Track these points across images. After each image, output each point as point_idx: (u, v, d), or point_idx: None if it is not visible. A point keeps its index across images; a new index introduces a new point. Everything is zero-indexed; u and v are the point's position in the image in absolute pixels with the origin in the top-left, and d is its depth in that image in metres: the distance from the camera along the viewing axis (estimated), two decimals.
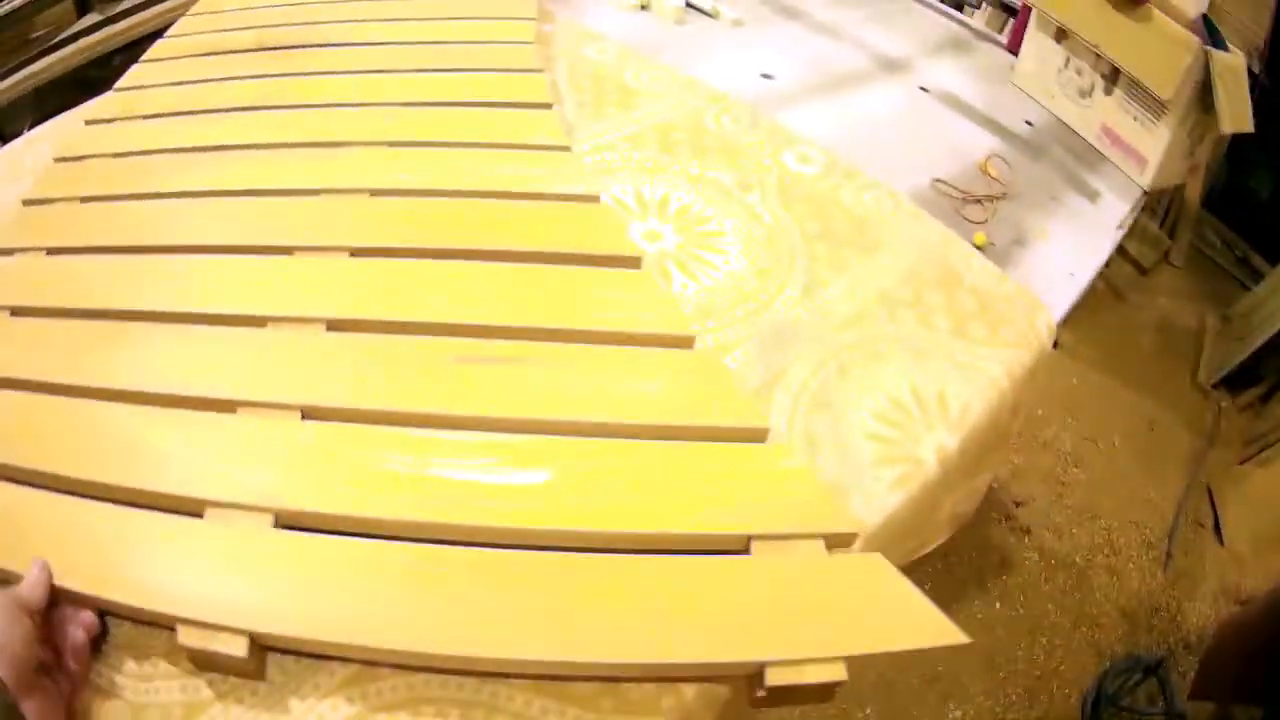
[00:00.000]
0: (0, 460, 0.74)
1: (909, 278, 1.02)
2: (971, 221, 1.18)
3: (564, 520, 0.71)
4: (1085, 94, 1.43)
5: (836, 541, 0.72)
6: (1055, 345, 0.97)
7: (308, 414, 0.78)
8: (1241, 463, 2.07)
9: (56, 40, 2.13)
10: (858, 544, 0.77)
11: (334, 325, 0.86)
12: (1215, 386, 2.28)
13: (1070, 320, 1.13)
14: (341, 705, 0.65)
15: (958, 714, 1.62)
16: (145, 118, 1.19)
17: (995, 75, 1.57)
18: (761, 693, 0.65)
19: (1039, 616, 1.78)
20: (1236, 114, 1.29)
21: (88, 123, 1.19)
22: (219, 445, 0.75)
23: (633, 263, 0.94)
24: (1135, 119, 1.36)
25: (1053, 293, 1.09)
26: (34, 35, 2.12)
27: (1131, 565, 1.89)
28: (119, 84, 1.27)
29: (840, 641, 0.65)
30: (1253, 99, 1.30)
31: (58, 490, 0.73)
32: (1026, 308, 1.02)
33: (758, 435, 0.79)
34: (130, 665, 0.66)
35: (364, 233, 0.97)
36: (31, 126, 1.27)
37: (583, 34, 1.42)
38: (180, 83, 1.26)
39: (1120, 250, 2.50)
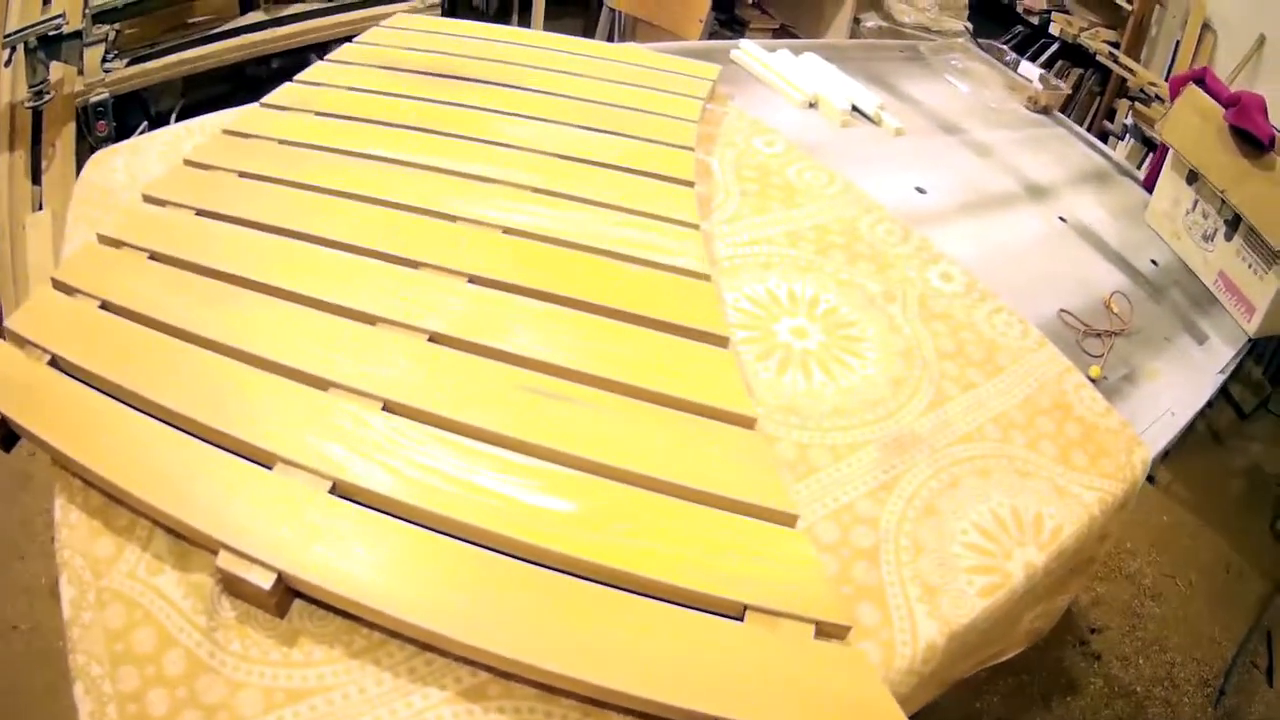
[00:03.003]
0: (114, 380, 0.87)
1: (1025, 403, 1.09)
2: (1090, 355, 1.25)
3: (581, 550, 0.79)
4: (1209, 238, 1.48)
5: (828, 631, 0.78)
6: (1151, 481, 1.03)
7: (389, 407, 0.89)
8: None
9: (216, 31, 2.24)
10: (943, 641, 0.85)
11: (435, 338, 0.97)
12: None
13: (1169, 460, 1.19)
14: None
15: None
16: (316, 113, 1.31)
17: (1130, 211, 1.62)
18: None
19: None
20: None
21: (262, 105, 1.32)
22: (304, 413, 0.87)
23: (720, 341, 1.01)
24: (1250, 267, 1.40)
25: (1152, 430, 1.15)
26: (192, 20, 2.23)
27: (1186, 700, 1.94)
28: (298, 76, 1.40)
29: None
30: None
31: (158, 417, 0.86)
32: (1126, 442, 1.07)
33: (787, 520, 0.85)
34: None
35: (487, 264, 1.06)
36: (181, 114, 1.37)
37: (753, 124, 1.52)
38: (354, 88, 1.38)
39: (1224, 393, 2.53)
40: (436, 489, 0.82)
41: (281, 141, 1.24)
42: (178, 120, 1.35)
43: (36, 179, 2.11)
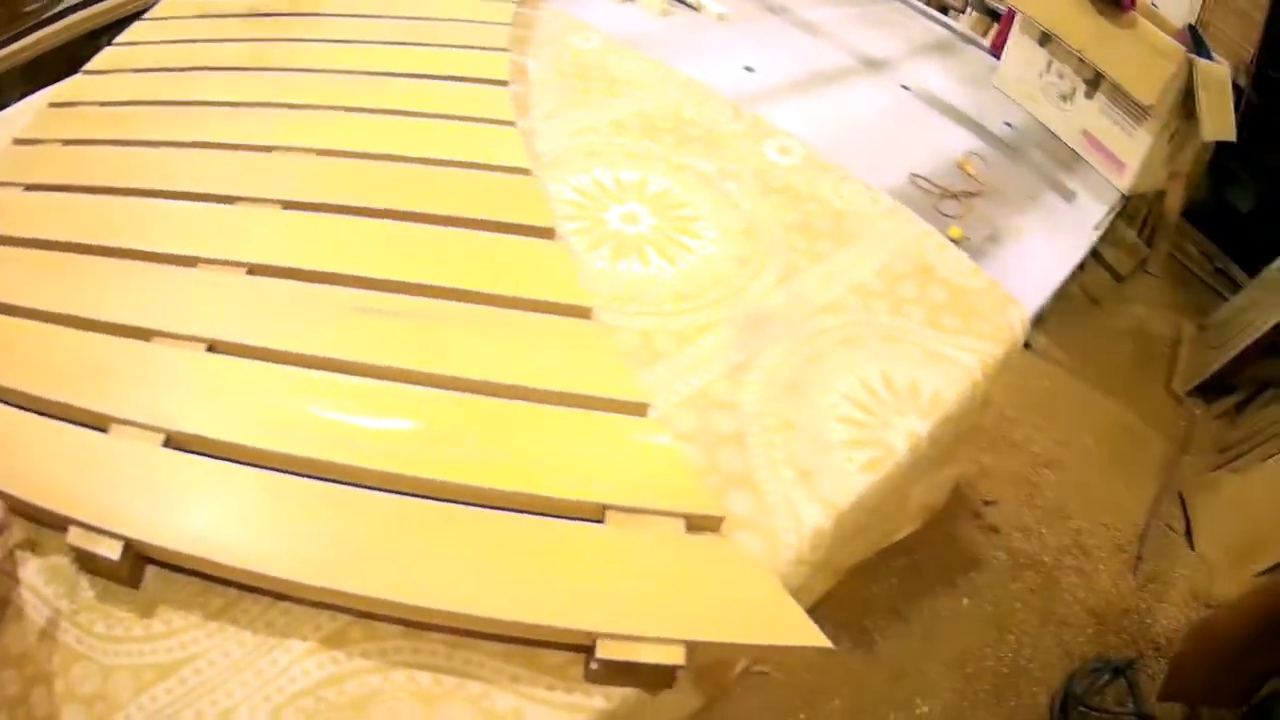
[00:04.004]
0: None
1: (883, 269, 1.04)
2: (947, 216, 1.20)
3: (429, 469, 0.74)
4: (1067, 98, 1.45)
5: (700, 524, 0.73)
6: (1028, 347, 0.99)
7: (214, 347, 0.83)
8: (1214, 470, 2.09)
9: (49, 15, 2.17)
10: (830, 524, 0.79)
11: (255, 270, 0.92)
12: (1189, 394, 2.30)
13: (1045, 324, 1.14)
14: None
15: (925, 709, 1.63)
16: (134, 71, 1.26)
17: (978, 78, 1.59)
18: (594, 665, 0.66)
19: (1006, 614, 1.79)
20: (1219, 122, 1.30)
21: (85, 73, 1.26)
22: (129, 368, 0.81)
23: (546, 234, 0.97)
24: (1116, 124, 1.38)
25: (1026, 289, 1.10)
26: (27, 9, 2.16)
27: (1101, 567, 1.90)
28: (117, 39, 1.34)
29: (682, 625, 0.66)
30: (1236, 113, 1.32)
31: None
32: (999, 301, 1.03)
33: (637, 410, 0.80)
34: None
35: (300, 188, 1.02)
36: (22, 99, 1.31)
37: (570, 23, 1.45)
38: (174, 40, 1.33)
39: (1097, 258, 2.53)
40: (272, 426, 0.77)
41: (103, 104, 1.19)
42: None
43: None
